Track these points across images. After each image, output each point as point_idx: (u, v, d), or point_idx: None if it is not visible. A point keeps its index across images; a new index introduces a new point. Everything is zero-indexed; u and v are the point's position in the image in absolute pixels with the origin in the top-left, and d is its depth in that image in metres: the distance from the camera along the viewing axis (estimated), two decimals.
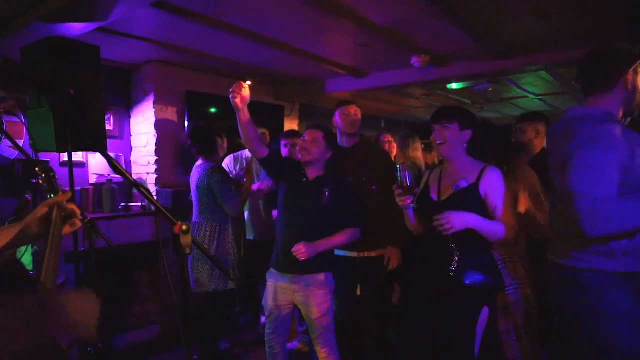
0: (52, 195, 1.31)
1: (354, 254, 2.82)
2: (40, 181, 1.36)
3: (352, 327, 2.93)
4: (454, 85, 4.95)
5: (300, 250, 2.29)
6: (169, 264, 3.24)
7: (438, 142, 2.06)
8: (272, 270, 2.55)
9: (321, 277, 2.43)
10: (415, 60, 3.73)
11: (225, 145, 3.31)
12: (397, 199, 2.01)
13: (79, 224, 1.29)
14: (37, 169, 1.36)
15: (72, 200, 1.32)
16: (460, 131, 2.04)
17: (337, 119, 2.95)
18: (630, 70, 1.64)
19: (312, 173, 2.52)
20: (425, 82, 4.48)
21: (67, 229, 1.26)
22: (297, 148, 2.55)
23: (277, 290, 2.49)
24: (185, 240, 1.53)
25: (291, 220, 2.49)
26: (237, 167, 3.73)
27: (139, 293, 3.69)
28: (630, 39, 3.00)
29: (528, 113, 3.20)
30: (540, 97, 5.90)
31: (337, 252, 2.77)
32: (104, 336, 3.29)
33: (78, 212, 1.27)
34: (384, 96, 5.85)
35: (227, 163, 3.75)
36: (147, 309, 3.74)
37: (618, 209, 1.51)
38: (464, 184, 2.00)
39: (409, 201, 2.01)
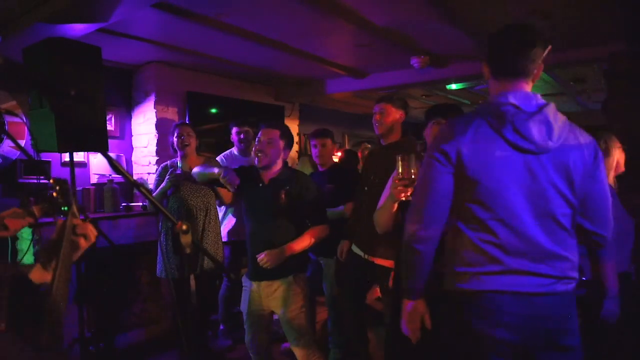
0: (66, 208, 1.30)
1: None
2: (54, 194, 1.36)
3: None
4: (454, 86, 4.96)
5: (264, 260, 2.25)
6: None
7: (427, 139, 2.07)
8: (246, 275, 2.53)
9: (289, 279, 2.37)
10: (414, 61, 3.74)
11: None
12: (395, 190, 1.87)
13: (92, 238, 1.26)
14: (51, 181, 1.35)
15: (75, 200, 1.32)
16: None
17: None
18: (541, 61, 1.48)
19: (267, 175, 2.43)
20: (424, 83, 4.50)
21: (82, 243, 1.24)
22: (253, 150, 2.43)
23: (252, 294, 2.45)
24: (185, 239, 1.54)
25: (254, 227, 2.44)
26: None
27: (139, 292, 3.70)
28: (630, 39, 3.02)
29: None
30: None
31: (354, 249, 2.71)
32: (105, 335, 3.31)
33: (92, 232, 1.25)
34: None
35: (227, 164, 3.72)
36: (148, 308, 3.75)
37: None
38: None
39: (409, 193, 1.87)
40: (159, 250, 3.14)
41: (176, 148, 3.26)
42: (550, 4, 2.70)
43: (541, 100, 1.45)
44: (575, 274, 1.45)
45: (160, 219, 3.24)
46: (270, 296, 2.39)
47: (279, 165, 2.44)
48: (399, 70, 4.31)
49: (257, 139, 2.42)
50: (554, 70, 4.31)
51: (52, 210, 1.35)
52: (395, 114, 2.64)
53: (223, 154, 3.78)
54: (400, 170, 1.86)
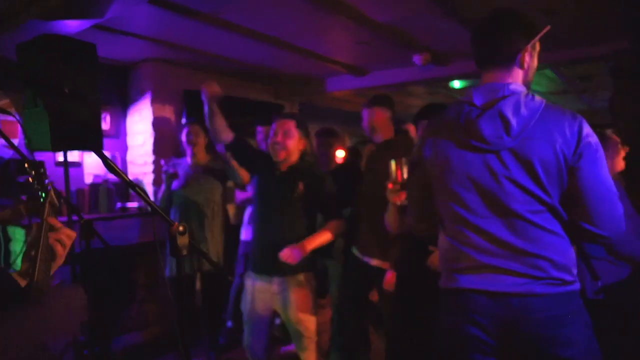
0: (43, 195, 1.26)
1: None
2: (30, 179, 1.32)
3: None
4: (456, 84, 4.93)
5: (288, 255, 2.14)
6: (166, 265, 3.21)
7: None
8: (250, 272, 2.43)
9: (300, 277, 2.28)
10: (416, 58, 3.70)
11: None
12: (390, 196, 1.88)
13: (68, 243, 1.23)
14: (26, 165, 1.32)
15: (67, 200, 1.28)
16: None
17: None
18: (528, 46, 1.40)
19: (285, 165, 2.35)
20: (426, 80, 4.47)
21: (59, 250, 1.21)
22: (269, 142, 2.36)
23: (255, 293, 2.36)
24: (182, 241, 1.51)
25: (265, 217, 2.34)
26: None
27: (136, 294, 3.65)
28: (635, 37, 2.99)
29: None
30: (543, 95, 5.88)
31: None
32: (101, 338, 3.26)
33: (69, 238, 1.23)
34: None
35: None
36: (145, 310, 3.71)
37: None
38: None
39: (403, 197, 1.87)
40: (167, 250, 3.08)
41: (185, 146, 3.31)
42: (556, 1, 2.66)
43: (511, 89, 1.35)
44: (564, 276, 1.33)
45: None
46: (277, 295, 2.29)
47: (296, 155, 2.35)
48: (400, 67, 4.27)
49: (272, 130, 2.34)
50: (559, 67, 4.28)
51: (38, 208, 1.31)
52: (381, 114, 2.64)
53: None
54: (393, 176, 1.87)
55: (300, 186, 2.28)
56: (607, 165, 1.35)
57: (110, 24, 2.86)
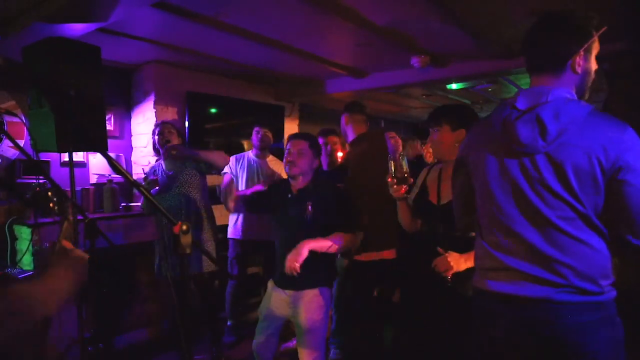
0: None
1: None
2: (51, 204, 1.37)
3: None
4: (454, 86, 4.96)
5: (290, 267, 2.21)
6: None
7: (430, 145, 2.05)
8: (272, 280, 2.53)
9: (315, 291, 2.38)
10: (415, 61, 3.73)
11: None
12: (391, 190, 1.97)
13: (81, 264, 1.28)
14: (49, 193, 1.37)
15: (72, 200, 1.33)
16: (452, 132, 1.99)
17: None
18: (581, 50, 1.33)
19: (297, 186, 2.46)
20: (425, 82, 4.49)
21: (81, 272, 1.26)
22: (284, 160, 2.46)
23: (274, 298, 2.46)
24: (185, 240, 1.54)
25: (283, 237, 2.46)
26: (239, 168, 3.74)
27: (139, 293, 3.69)
28: (631, 38, 3.02)
29: None
30: None
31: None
32: (105, 336, 3.30)
33: (80, 260, 1.27)
34: (384, 96, 5.85)
35: (230, 165, 3.70)
36: (148, 309, 3.75)
37: None
38: None
39: (402, 191, 1.95)
40: (157, 250, 3.14)
41: (157, 147, 3.18)
42: (551, 3, 2.68)
43: (555, 95, 1.32)
44: (587, 285, 1.29)
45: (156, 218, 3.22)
46: (295, 304, 2.39)
47: (309, 175, 2.47)
48: (399, 69, 4.30)
49: (287, 150, 2.46)
50: None
51: (20, 212, 1.38)
52: (351, 119, 2.99)
53: (235, 155, 3.81)
54: (392, 170, 1.91)
55: (309, 208, 2.36)
56: None
57: (114, 27, 2.90)
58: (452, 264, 1.85)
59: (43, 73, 1.87)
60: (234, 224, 3.74)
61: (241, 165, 3.76)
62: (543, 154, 1.31)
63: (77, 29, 2.55)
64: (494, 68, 3.87)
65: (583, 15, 1.34)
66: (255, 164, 3.74)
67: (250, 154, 3.80)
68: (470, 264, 1.81)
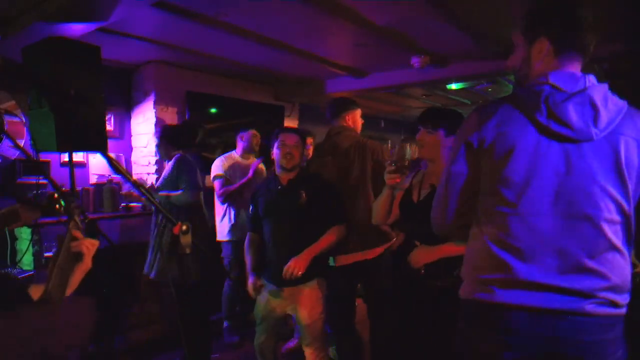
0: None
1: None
2: (57, 207, 1.38)
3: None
4: (454, 86, 4.96)
5: (293, 268, 2.24)
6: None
7: (419, 144, 2.01)
8: (264, 278, 2.52)
9: (313, 283, 2.39)
10: (415, 61, 3.74)
11: None
12: (387, 176, 1.94)
13: (87, 252, 1.32)
14: (55, 195, 1.39)
15: (74, 199, 1.34)
16: (446, 137, 1.97)
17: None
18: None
19: (286, 178, 2.47)
20: (424, 82, 4.49)
21: (87, 261, 1.31)
22: (282, 153, 2.45)
23: (269, 296, 2.46)
24: (185, 240, 1.54)
25: (275, 230, 2.44)
26: (227, 167, 3.72)
27: (139, 293, 3.69)
28: (630, 38, 3.02)
29: None
30: None
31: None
32: (105, 335, 3.30)
33: (88, 248, 1.31)
34: (384, 96, 5.85)
35: (218, 165, 3.71)
36: (148, 308, 3.74)
37: None
38: None
39: (398, 180, 1.96)
40: (150, 250, 3.15)
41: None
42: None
43: (592, 81, 1.20)
44: (617, 297, 1.17)
45: (153, 219, 3.24)
46: (293, 299, 2.40)
47: (298, 167, 2.52)
48: (399, 69, 4.30)
49: (281, 143, 2.46)
50: None
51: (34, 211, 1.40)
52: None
53: (223, 155, 3.79)
54: (395, 156, 1.92)
55: (304, 195, 2.38)
56: None
57: (114, 26, 2.90)
58: (423, 255, 1.88)
59: (43, 73, 1.87)
60: (222, 225, 3.73)
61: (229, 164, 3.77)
62: (593, 143, 1.16)
63: (77, 28, 2.56)
64: (494, 68, 3.87)
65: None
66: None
67: (235, 154, 3.82)
68: (440, 254, 1.85)
